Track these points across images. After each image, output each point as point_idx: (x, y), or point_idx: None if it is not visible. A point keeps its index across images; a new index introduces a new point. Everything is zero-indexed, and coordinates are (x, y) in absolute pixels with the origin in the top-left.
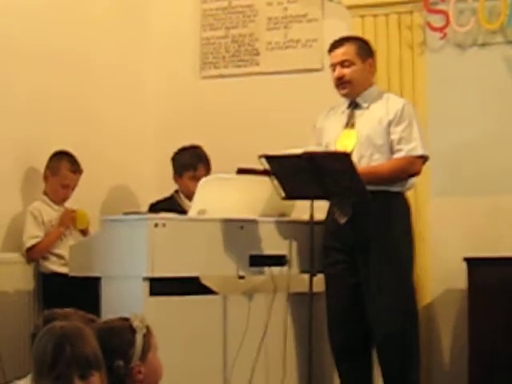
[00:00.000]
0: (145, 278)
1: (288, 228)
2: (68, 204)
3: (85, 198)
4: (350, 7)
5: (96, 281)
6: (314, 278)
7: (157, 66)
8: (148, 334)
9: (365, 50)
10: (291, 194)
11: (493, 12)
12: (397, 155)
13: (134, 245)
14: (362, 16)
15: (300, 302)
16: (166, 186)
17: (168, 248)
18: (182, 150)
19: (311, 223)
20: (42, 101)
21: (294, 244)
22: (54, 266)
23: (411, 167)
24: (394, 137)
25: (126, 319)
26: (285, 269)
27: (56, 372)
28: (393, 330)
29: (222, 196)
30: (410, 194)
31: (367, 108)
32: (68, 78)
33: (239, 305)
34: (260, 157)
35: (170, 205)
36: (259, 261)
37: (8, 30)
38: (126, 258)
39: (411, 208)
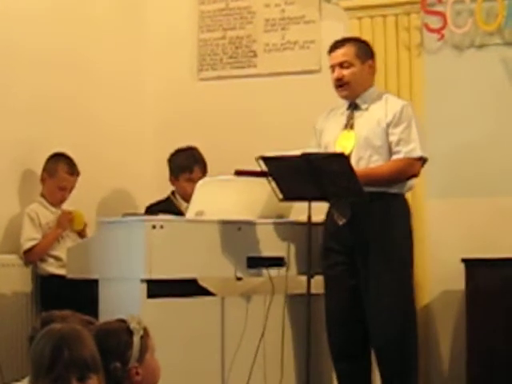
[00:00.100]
0: (142, 280)
1: (286, 229)
2: (66, 206)
3: (83, 199)
4: (347, 9)
5: (94, 283)
6: (312, 280)
7: (155, 67)
8: (145, 336)
9: (364, 51)
10: (289, 196)
11: (490, 13)
12: (395, 157)
13: (132, 247)
14: (360, 18)
15: (298, 303)
16: (165, 188)
17: (166, 250)
18: (178, 152)
19: (309, 225)
20: (40, 102)
21: (292, 245)
22: (52, 268)
23: (410, 169)
24: (393, 138)
25: (123, 321)
26: (283, 270)
27: (54, 374)
28: (392, 331)
29: (220, 197)
30: (407, 195)
31: (366, 109)
32: (66, 80)
33: (237, 306)
34: (257, 158)
35: (166, 206)
36: (257, 262)
37: (7, 32)
38: (123, 260)
39: (411, 209)
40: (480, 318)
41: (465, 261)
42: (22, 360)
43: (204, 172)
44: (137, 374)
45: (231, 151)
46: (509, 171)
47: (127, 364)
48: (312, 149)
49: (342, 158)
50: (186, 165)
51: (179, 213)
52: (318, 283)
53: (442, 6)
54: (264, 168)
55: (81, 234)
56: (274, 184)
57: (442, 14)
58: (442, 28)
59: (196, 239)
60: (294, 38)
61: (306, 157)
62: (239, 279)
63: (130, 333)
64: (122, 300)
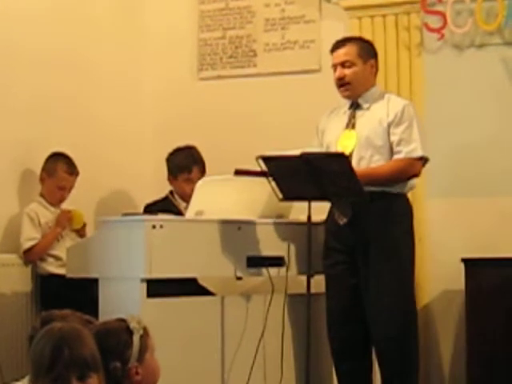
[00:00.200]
0: (142, 280)
1: (286, 229)
2: (66, 205)
3: (83, 199)
4: (347, 8)
5: (94, 282)
6: (312, 280)
7: (155, 67)
8: (145, 335)
9: (367, 50)
10: (289, 195)
11: (490, 13)
12: (396, 156)
13: (132, 246)
14: (360, 17)
15: (298, 303)
16: (164, 187)
17: (166, 249)
18: (177, 151)
19: (309, 224)
20: (39, 102)
21: (292, 245)
22: (52, 267)
23: (411, 169)
24: (394, 138)
25: (123, 320)
26: (282, 270)
27: (54, 374)
28: (392, 331)
29: (220, 197)
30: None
31: (368, 109)
32: (66, 80)
33: (237, 306)
34: (257, 158)
35: (164, 206)
36: (257, 262)
37: (7, 32)
38: (123, 260)
39: (412, 209)
40: (480, 317)
41: (464, 261)
42: (22, 359)
43: (203, 172)
44: (136, 373)
45: (231, 151)
46: (509, 171)
47: (127, 363)
48: (311, 148)
49: (342, 158)
50: (185, 165)
51: (177, 212)
52: (317, 283)
53: (442, 6)
54: (264, 168)
55: (80, 233)
56: (273, 184)
57: (441, 14)
58: (442, 28)
59: (196, 239)
60: (294, 38)
61: (305, 157)
62: (239, 279)
63: (130, 332)
64: (122, 299)
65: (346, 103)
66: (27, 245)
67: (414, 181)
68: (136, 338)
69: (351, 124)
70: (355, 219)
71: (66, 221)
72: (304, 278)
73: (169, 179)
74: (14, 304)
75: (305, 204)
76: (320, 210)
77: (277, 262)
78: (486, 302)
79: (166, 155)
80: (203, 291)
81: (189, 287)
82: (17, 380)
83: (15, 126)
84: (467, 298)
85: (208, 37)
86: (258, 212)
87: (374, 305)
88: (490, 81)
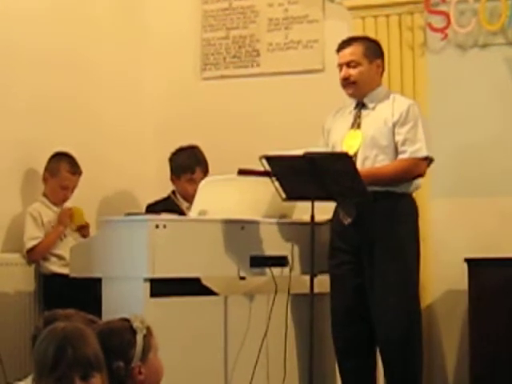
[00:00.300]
0: (146, 279)
1: (289, 229)
2: (68, 205)
3: (85, 199)
4: (350, 8)
5: (97, 282)
6: (315, 279)
7: (157, 67)
8: (148, 335)
9: (373, 50)
10: (292, 195)
11: (494, 13)
12: (401, 156)
13: (135, 246)
14: (363, 17)
15: (301, 302)
16: (166, 187)
17: (169, 249)
18: (180, 151)
19: (312, 224)
20: (41, 102)
21: (295, 245)
22: (55, 266)
23: (415, 169)
24: (399, 138)
25: (127, 320)
26: (286, 270)
27: (57, 373)
28: (397, 331)
29: (223, 197)
30: None
31: (373, 108)
32: (68, 80)
33: (240, 306)
34: (261, 158)
35: (166, 205)
36: (260, 262)
37: (7, 32)
38: (126, 259)
39: (418, 209)
40: (483, 317)
41: (468, 261)
42: (25, 359)
43: (206, 172)
44: (140, 373)
45: (234, 151)
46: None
47: (130, 363)
48: (315, 148)
49: (346, 158)
50: (188, 165)
51: (179, 212)
52: (321, 283)
53: (445, 6)
54: (267, 167)
55: (83, 233)
56: (277, 183)
57: (445, 14)
58: (446, 27)
59: (199, 238)
60: (297, 38)
61: (309, 156)
62: (242, 278)
63: (133, 332)
64: (125, 299)
65: (352, 103)
66: (30, 244)
67: (419, 181)
68: (139, 338)
69: (356, 124)
70: (360, 219)
71: (67, 218)
72: (307, 277)
73: (171, 179)
74: (17, 303)
75: (308, 204)
76: (323, 210)
77: (280, 261)
78: (489, 302)
79: (168, 155)
80: (206, 291)
81: (192, 287)
82: (20, 379)
83: (17, 125)
84: (470, 298)
85: (211, 36)
86: (261, 212)
87: (379, 305)
88: (494, 81)
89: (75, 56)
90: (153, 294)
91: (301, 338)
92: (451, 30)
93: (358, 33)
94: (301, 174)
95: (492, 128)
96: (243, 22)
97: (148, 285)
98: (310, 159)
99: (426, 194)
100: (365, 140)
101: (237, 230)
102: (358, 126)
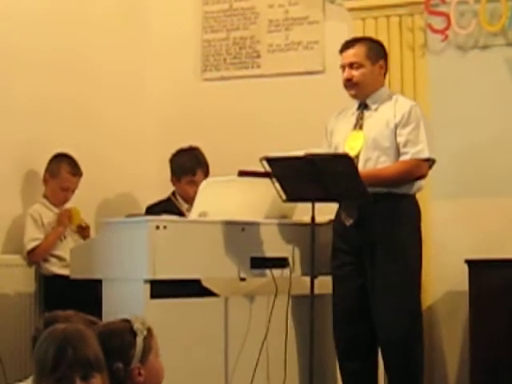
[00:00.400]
0: (146, 281)
1: (289, 230)
2: (68, 206)
3: (85, 199)
4: (351, 9)
5: (97, 283)
6: (316, 281)
7: (158, 68)
8: (149, 337)
9: (376, 51)
10: (292, 196)
11: (494, 14)
12: (403, 158)
13: (135, 247)
14: (363, 18)
15: (301, 304)
16: (167, 189)
17: (169, 250)
18: (180, 152)
19: (312, 225)
20: (42, 103)
21: (296, 246)
22: (55, 268)
23: (417, 170)
24: (401, 139)
25: (127, 321)
26: (286, 271)
27: (58, 374)
28: (398, 332)
29: (224, 198)
30: None
31: (376, 110)
32: (68, 81)
33: (240, 307)
34: (261, 159)
35: (167, 207)
36: (260, 263)
37: (7, 33)
38: (127, 261)
39: (420, 210)
40: (484, 318)
41: (468, 262)
42: (26, 360)
43: (206, 174)
44: (139, 374)
45: (234, 152)
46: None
47: (129, 364)
48: (315, 149)
49: (346, 159)
50: (189, 167)
51: (180, 213)
52: (321, 284)
53: (445, 7)
54: (268, 169)
55: (84, 234)
56: (277, 185)
57: (445, 15)
58: (446, 29)
59: (199, 240)
60: (297, 39)
61: (309, 157)
62: (243, 280)
63: (134, 333)
64: (126, 300)
65: (355, 104)
66: (31, 245)
67: (422, 182)
68: (139, 339)
69: (359, 125)
70: (361, 220)
71: (66, 219)
72: (307, 278)
73: (172, 181)
74: (18, 305)
75: (308, 205)
76: (324, 211)
77: (280, 263)
78: (490, 303)
79: (169, 156)
80: (207, 292)
81: (192, 288)
82: (20, 381)
83: (18, 126)
84: (471, 300)
85: (212, 38)
86: (261, 213)
87: (380, 305)
88: (494, 82)
89: (76, 57)
90: (153, 296)
91: (301, 340)
92: (451, 31)
93: (359, 34)
94: (301, 175)
95: (492, 129)
96: (244, 24)
97: (148, 286)
98: (311, 160)
99: (427, 195)
100: (367, 141)
101: (237, 232)
102: (361, 128)
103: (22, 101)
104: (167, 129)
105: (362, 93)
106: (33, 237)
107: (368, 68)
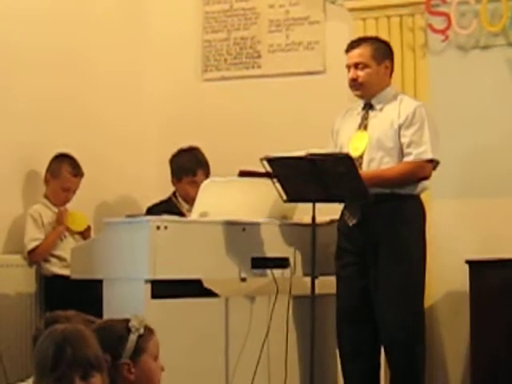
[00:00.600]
0: (147, 281)
1: (290, 230)
2: (69, 207)
3: (86, 200)
4: (351, 10)
5: (98, 283)
6: (317, 281)
7: (159, 68)
8: (146, 337)
9: (381, 51)
10: (293, 197)
11: (495, 14)
12: (406, 159)
13: (136, 247)
14: (364, 18)
15: (302, 304)
16: (168, 189)
17: (170, 250)
18: (180, 152)
19: (313, 226)
20: (42, 103)
21: (296, 246)
22: (56, 268)
23: (420, 171)
24: (405, 140)
25: (127, 319)
26: (287, 271)
27: (57, 373)
28: (400, 332)
29: (224, 198)
30: None
31: (381, 110)
32: (69, 81)
33: (241, 307)
34: (262, 159)
35: (167, 207)
36: (261, 263)
37: (7, 34)
38: (127, 261)
39: (425, 211)
40: (484, 319)
41: (469, 262)
42: (26, 360)
43: (207, 174)
44: (129, 371)
45: (235, 152)
46: None
47: (118, 359)
48: (316, 149)
49: (347, 160)
50: (190, 167)
51: (180, 214)
52: (322, 284)
53: (446, 7)
54: (268, 169)
55: (84, 235)
56: (278, 185)
57: (446, 15)
58: (447, 29)
59: (200, 240)
60: (298, 39)
61: (310, 158)
62: (243, 280)
63: (128, 330)
64: (126, 300)
65: (360, 103)
66: (31, 245)
67: (426, 182)
68: (133, 336)
69: (363, 125)
70: (364, 220)
71: (63, 217)
72: (308, 279)
73: (172, 181)
74: (18, 305)
75: (309, 205)
76: (324, 212)
77: (281, 263)
78: (491, 303)
79: (169, 156)
80: (207, 292)
81: (193, 288)
82: (21, 380)
83: (18, 127)
84: (472, 300)
85: (212, 38)
86: (262, 213)
87: (383, 305)
88: (495, 82)
89: (76, 57)
90: (154, 296)
91: (302, 340)
92: (452, 31)
93: (359, 34)
94: (302, 176)
95: (493, 129)
96: (244, 24)
97: (149, 286)
98: (311, 160)
99: (429, 195)
100: (371, 142)
101: (238, 232)
102: (365, 128)
103: (22, 101)
104: (167, 129)
105: (368, 93)
106: (33, 237)
107: (373, 68)
